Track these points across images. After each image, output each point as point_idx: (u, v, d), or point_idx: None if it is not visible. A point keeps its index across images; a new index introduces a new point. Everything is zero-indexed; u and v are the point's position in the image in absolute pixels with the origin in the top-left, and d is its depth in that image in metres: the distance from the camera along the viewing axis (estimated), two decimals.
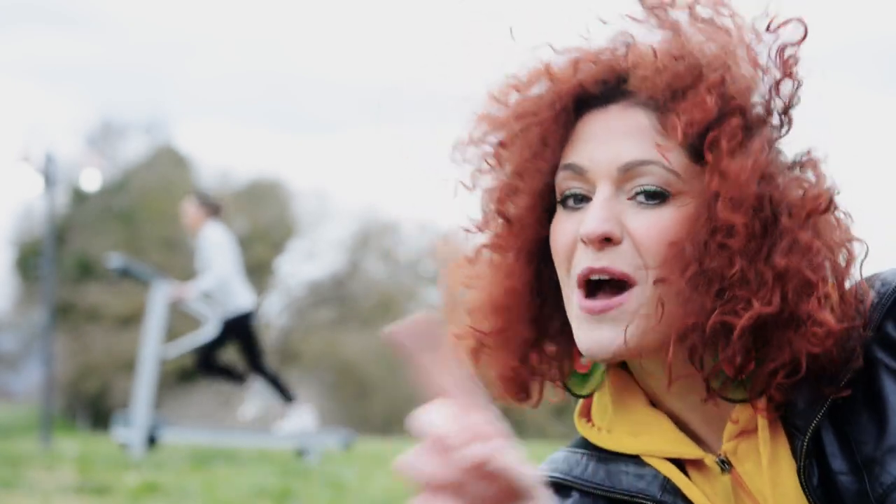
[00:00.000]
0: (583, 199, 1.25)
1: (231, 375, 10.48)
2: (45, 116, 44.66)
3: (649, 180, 1.21)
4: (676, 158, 1.21)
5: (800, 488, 1.23)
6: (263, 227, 29.79)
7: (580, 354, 1.29)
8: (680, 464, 1.30)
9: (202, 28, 47.05)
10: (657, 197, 1.21)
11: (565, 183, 1.26)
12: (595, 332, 1.21)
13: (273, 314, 31.14)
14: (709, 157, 1.20)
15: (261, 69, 44.66)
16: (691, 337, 1.19)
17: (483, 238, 1.34)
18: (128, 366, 18.29)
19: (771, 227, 1.19)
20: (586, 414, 1.37)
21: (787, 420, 1.24)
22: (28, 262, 27.92)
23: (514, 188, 1.29)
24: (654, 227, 1.20)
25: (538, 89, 1.28)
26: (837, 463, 1.21)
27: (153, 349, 10.06)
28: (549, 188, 1.28)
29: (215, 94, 46.02)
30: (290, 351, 29.17)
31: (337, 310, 31.12)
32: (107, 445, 10.95)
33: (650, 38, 1.25)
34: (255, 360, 10.22)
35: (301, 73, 47.87)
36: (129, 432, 9.91)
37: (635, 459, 1.31)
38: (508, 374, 1.34)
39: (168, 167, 29.35)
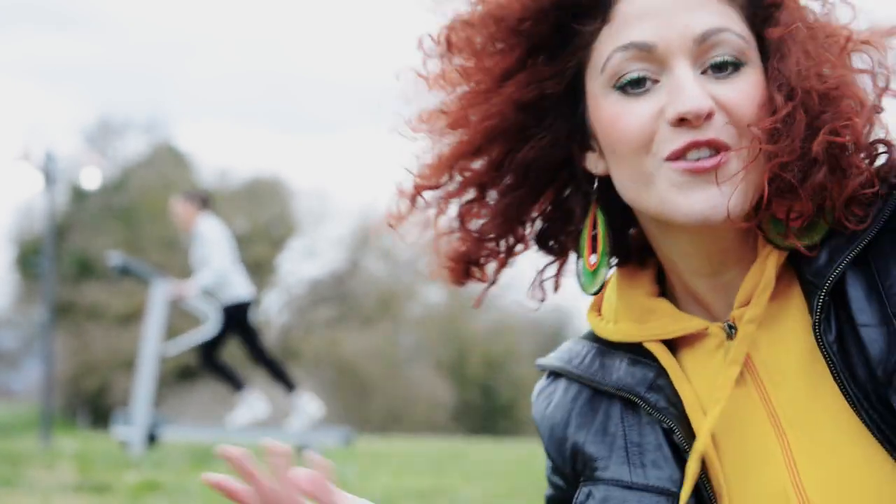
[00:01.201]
0: (643, 81, 1.21)
1: (231, 379, 10.47)
2: (44, 116, 44.69)
3: (725, 49, 1.19)
4: (740, 25, 1.21)
5: (809, 351, 1.22)
6: (263, 225, 29.79)
7: (590, 253, 1.30)
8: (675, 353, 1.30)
9: (202, 28, 47.05)
10: (731, 67, 1.20)
11: (625, 65, 1.20)
12: (704, 192, 1.18)
13: (273, 313, 31.14)
14: (777, 27, 1.22)
15: (261, 69, 44.68)
16: (781, 176, 1.18)
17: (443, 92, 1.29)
18: (128, 364, 18.30)
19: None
20: (597, 308, 1.37)
21: (804, 278, 1.22)
22: (28, 260, 27.91)
23: (505, 41, 1.25)
24: (743, 94, 1.19)
25: None
26: (864, 316, 1.19)
27: (153, 347, 10.06)
28: (542, 62, 1.25)
29: (215, 93, 46.03)
30: (290, 349, 29.15)
31: (337, 308, 31.13)
32: (107, 444, 10.95)
33: None
34: (256, 350, 10.23)
35: (301, 73, 47.87)
36: (129, 430, 9.92)
37: (635, 351, 1.31)
38: (457, 254, 1.32)
39: (168, 166, 29.35)
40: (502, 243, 1.33)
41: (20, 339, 29.35)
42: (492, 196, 1.31)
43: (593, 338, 1.37)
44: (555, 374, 1.40)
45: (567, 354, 1.38)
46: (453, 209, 1.32)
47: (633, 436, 1.30)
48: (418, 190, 1.32)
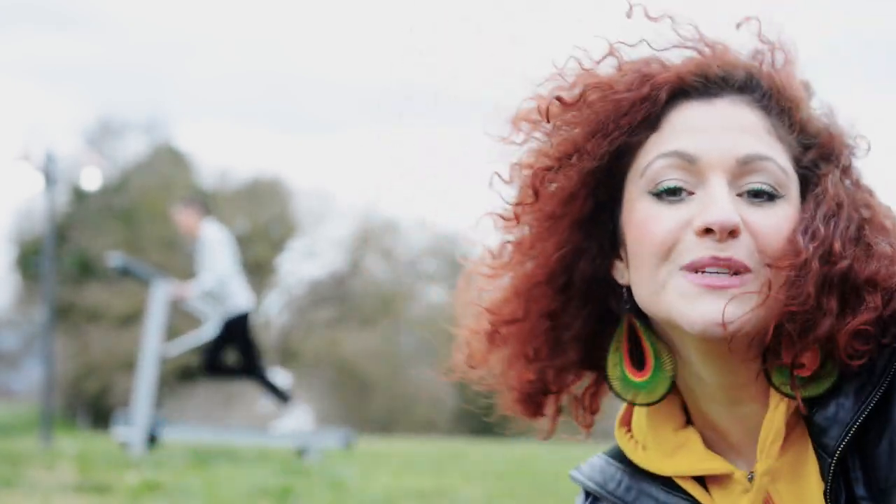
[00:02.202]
0: (679, 191, 1.22)
1: (237, 373, 10.46)
2: (45, 116, 44.68)
3: (765, 178, 1.22)
4: (784, 161, 1.24)
5: None
6: (263, 226, 29.79)
7: (635, 367, 1.30)
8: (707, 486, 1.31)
9: (202, 28, 47.04)
10: (766, 196, 1.22)
11: (665, 172, 1.23)
12: (714, 303, 1.19)
13: (273, 313, 31.14)
14: (824, 167, 1.25)
15: (261, 69, 44.66)
16: (789, 324, 1.19)
17: (511, 230, 1.32)
18: (128, 365, 18.29)
19: (862, 231, 1.23)
20: (626, 423, 1.38)
21: (816, 440, 1.24)
22: (28, 260, 27.92)
23: (564, 166, 1.27)
24: (773, 224, 1.21)
25: (619, 75, 1.26)
26: (860, 489, 1.21)
27: (153, 348, 10.06)
28: (600, 174, 1.26)
29: (215, 93, 46.02)
30: (290, 350, 29.15)
31: (337, 309, 31.12)
32: (107, 444, 10.95)
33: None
34: (251, 361, 10.21)
35: (301, 73, 47.87)
36: (129, 431, 9.91)
37: (666, 482, 1.32)
38: (521, 383, 1.34)
39: (168, 167, 29.35)
40: (559, 362, 1.34)
41: (20, 339, 29.34)
42: (559, 322, 1.32)
43: (622, 459, 1.37)
44: (593, 497, 1.40)
45: (601, 476, 1.38)
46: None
47: None
48: (496, 327, 1.34)
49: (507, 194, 1.32)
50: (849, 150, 1.28)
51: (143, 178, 29.00)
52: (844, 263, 1.20)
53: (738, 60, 1.27)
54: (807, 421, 1.25)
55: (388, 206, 32.32)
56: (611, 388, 1.33)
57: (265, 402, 10.71)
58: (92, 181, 14.18)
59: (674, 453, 1.31)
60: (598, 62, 1.29)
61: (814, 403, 1.23)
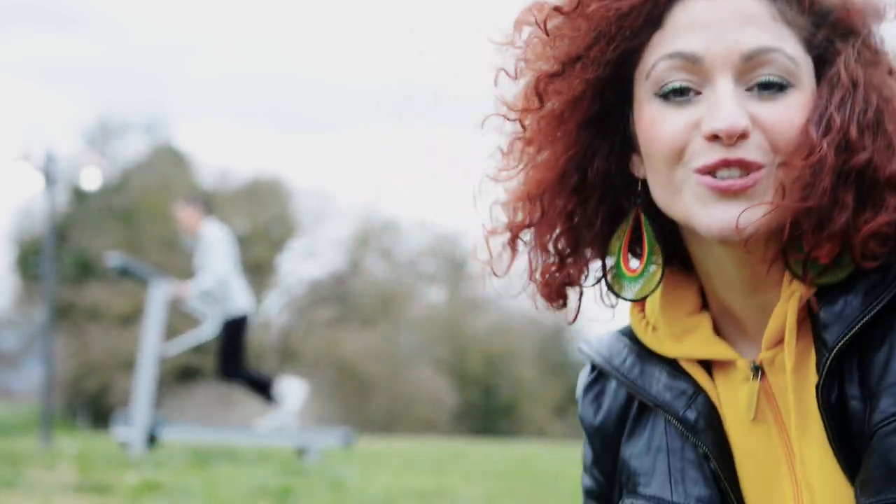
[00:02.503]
0: (686, 91, 1.21)
1: (252, 379, 10.44)
2: (44, 116, 44.69)
3: (772, 70, 1.19)
4: (793, 48, 1.21)
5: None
6: (263, 226, 29.79)
7: (628, 256, 1.30)
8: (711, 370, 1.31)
9: (202, 28, 47.06)
10: (776, 87, 1.19)
11: (669, 73, 1.21)
12: (729, 209, 1.18)
13: (273, 313, 31.14)
14: (840, 46, 1.21)
15: (261, 69, 44.68)
16: (804, 221, 1.18)
17: (519, 127, 1.30)
18: (128, 365, 18.30)
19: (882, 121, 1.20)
20: (641, 304, 1.37)
21: (817, 334, 1.22)
22: (28, 260, 27.91)
23: (567, 72, 1.25)
24: (784, 116, 1.18)
25: None
26: (853, 388, 1.20)
27: (153, 348, 10.06)
28: (606, 80, 1.25)
29: (215, 93, 46.03)
30: (290, 350, 29.16)
31: (337, 309, 31.12)
32: (107, 444, 10.95)
33: None
34: (238, 362, 10.19)
35: (301, 73, 47.88)
36: (129, 431, 9.91)
37: (672, 364, 1.32)
38: (544, 276, 1.32)
39: (168, 167, 29.35)
40: (580, 257, 1.33)
41: (20, 339, 29.33)
42: (575, 218, 1.31)
43: (632, 336, 1.37)
44: (599, 370, 1.41)
45: (608, 351, 1.38)
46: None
47: (675, 449, 1.31)
48: (516, 231, 1.32)
49: (511, 94, 1.30)
50: (869, 25, 1.24)
51: (143, 178, 29.00)
52: (863, 156, 1.17)
53: None
54: (812, 315, 1.23)
55: (388, 206, 32.33)
56: (605, 280, 1.33)
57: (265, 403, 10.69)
58: (92, 181, 14.18)
59: (682, 337, 1.31)
60: None
61: (824, 299, 1.22)
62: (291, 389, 10.28)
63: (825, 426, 1.20)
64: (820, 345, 1.21)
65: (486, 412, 30.83)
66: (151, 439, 9.90)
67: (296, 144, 49.12)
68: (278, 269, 31.68)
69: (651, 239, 1.29)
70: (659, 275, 1.30)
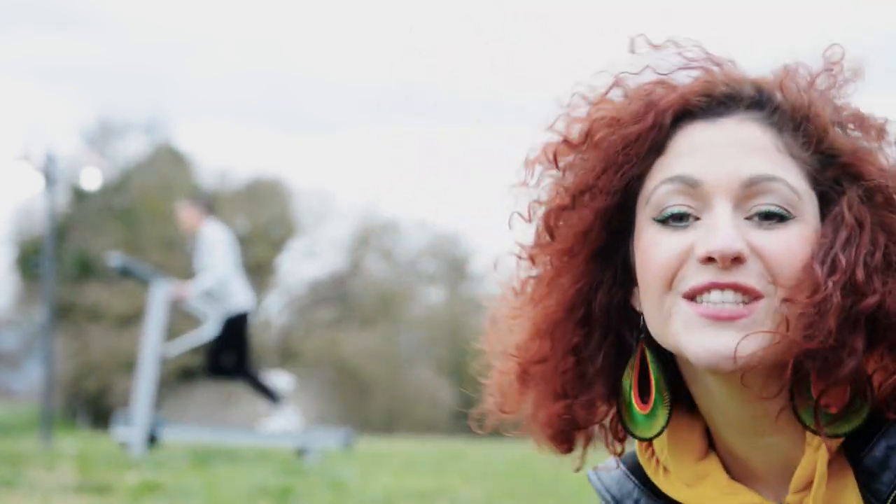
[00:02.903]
0: (685, 217, 1.19)
1: (238, 374, 10.45)
2: (45, 116, 44.68)
3: (773, 199, 1.17)
4: (796, 180, 1.18)
5: None
6: (263, 226, 29.78)
7: (640, 394, 1.26)
8: None
9: (202, 28, 47.03)
10: (776, 218, 1.17)
11: (668, 197, 1.19)
12: (718, 338, 1.15)
13: (273, 313, 31.13)
14: (847, 186, 1.19)
15: (261, 69, 44.65)
16: (808, 363, 1.14)
17: (532, 268, 1.29)
18: (128, 365, 18.30)
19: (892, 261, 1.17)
20: (648, 442, 1.33)
21: (864, 483, 1.20)
22: (28, 260, 27.89)
23: (577, 204, 1.24)
24: (784, 247, 1.16)
25: (624, 105, 1.23)
26: None
27: (153, 348, 10.06)
28: (613, 208, 1.24)
29: (215, 93, 46.01)
30: (290, 350, 29.16)
31: (337, 309, 31.12)
32: (107, 444, 10.95)
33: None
34: (243, 362, 10.20)
35: (301, 73, 47.87)
36: (129, 431, 9.91)
37: None
38: (551, 419, 1.29)
39: (168, 167, 29.34)
40: (588, 398, 1.30)
41: (20, 339, 29.33)
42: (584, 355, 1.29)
43: (640, 476, 1.33)
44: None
45: (618, 490, 1.34)
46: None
47: None
48: (525, 368, 1.29)
49: (525, 234, 1.30)
50: (879, 168, 1.21)
51: (143, 178, 28.99)
52: (872, 300, 1.13)
53: (747, 77, 1.23)
54: (850, 460, 1.20)
55: (388, 206, 32.32)
56: (620, 419, 1.30)
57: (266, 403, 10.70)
58: (92, 181, 14.18)
59: (696, 483, 1.27)
60: (603, 95, 1.26)
61: (856, 443, 1.19)
62: (278, 384, 10.30)
63: None
64: (868, 495, 1.18)
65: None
66: (151, 439, 9.90)
67: (296, 144, 49.12)
68: (278, 269, 31.67)
69: (657, 376, 1.26)
70: (665, 415, 1.25)
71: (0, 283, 39.36)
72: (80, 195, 28.15)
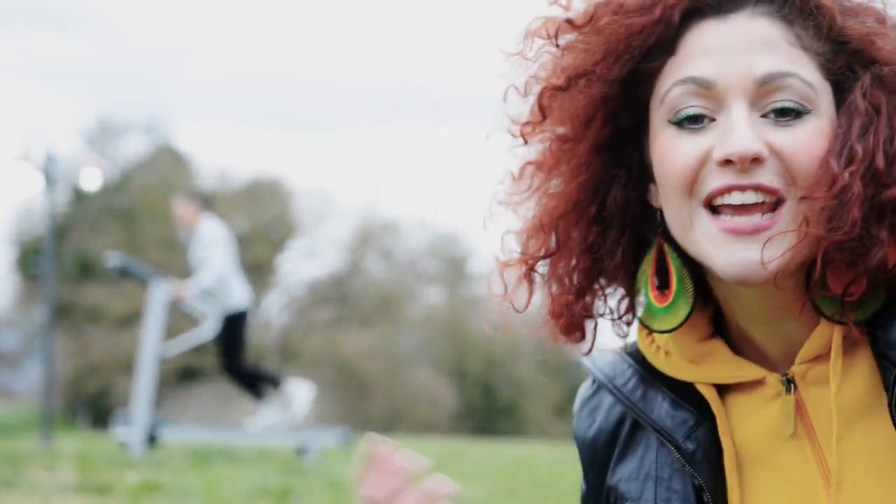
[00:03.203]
0: (700, 118, 1.18)
1: (258, 375, 10.44)
2: (45, 116, 44.70)
3: (788, 95, 1.16)
4: (810, 73, 1.17)
5: (870, 418, 1.19)
6: (263, 226, 29.78)
7: (657, 286, 1.26)
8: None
9: (202, 28, 47.05)
10: (793, 114, 1.16)
11: (682, 99, 1.18)
12: (744, 252, 1.14)
13: (273, 313, 31.13)
14: (861, 72, 1.17)
15: (261, 69, 44.67)
16: (835, 255, 1.14)
17: (530, 151, 1.27)
18: (128, 365, 18.29)
19: None
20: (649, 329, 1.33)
21: (879, 352, 1.19)
22: (28, 260, 27.90)
23: (572, 87, 1.22)
24: (801, 143, 1.15)
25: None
26: None
27: (153, 348, 10.06)
28: (613, 99, 1.22)
29: (215, 93, 46.02)
30: (290, 350, 29.16)
31: (337, 309, 31.12)
32: (107, 444, 10.95)
33: None
34: (238, 358, 10.19)
35: (301, 73, 47.87)
36: (129, 431, 9.91)
37: (678, 390, 1.28)
38: (560, 310, 1.28)
39: (168, 167, 29.35)
40: (597, 287, 1.30)
41: (20, 339, 29.33)
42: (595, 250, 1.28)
43: (638, 358, 1.33)
44: (599, 385, 1.37)
45: (611, 370, 1.34)
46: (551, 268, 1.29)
47: (663, 478, 1.28)
48: (532, 263, 1.29)
49: (520, 111, 1.28)
50: (891, 51, 1.19)
51: (143, 178, 28.99)
52: (894, 190, 1.13)
53: None
54: (868, 331, 1.20)
55: (388, 206, 32.33)
56: (633, 313, 1.30)
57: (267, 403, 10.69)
58: (92, 181, 14.17)
59: (699, 360, 1.27)
60: None
61: (878, 323, 1.19)
62: (299, 392, 10.28)
63: None
64: (883, 361, 1.18)
65: (486, 412, 30.83)
66: (151, 439, 9.90)
67: (296, 144, 49.13)
68: (278, 269, 31.67)
69: (678, 269, 1.25)
70: (687, 307, 1.25)
71: (0, 283, 39.38)
72: (80, 195, 28.15)
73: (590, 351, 1.32)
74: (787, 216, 1.15)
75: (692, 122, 1.18)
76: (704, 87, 1.17)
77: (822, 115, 1.17)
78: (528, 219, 1.28)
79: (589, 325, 1.31)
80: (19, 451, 9.13)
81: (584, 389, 1.40)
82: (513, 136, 1.28)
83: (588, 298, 1.29)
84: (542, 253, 1.28)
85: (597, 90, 1.22)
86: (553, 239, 1.27)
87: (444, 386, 29.78)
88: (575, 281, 1.28)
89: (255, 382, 10.27)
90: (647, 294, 1.28)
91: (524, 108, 1.28)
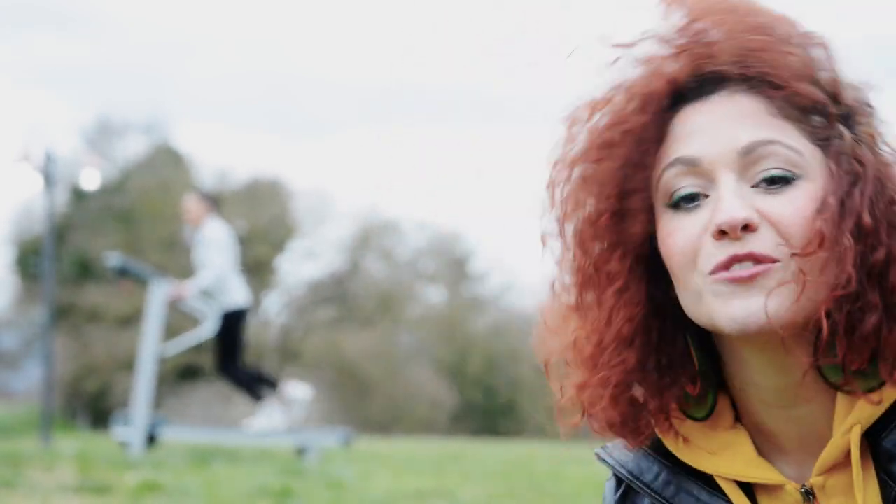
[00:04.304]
0: (695, 197, 1.20)
1: (255, 376, 10.44)
2: (44, 116, 44.70)
3: (774, 163, 1.17)
4: (795, 139, 1.19)
5: None
6: (263, 226, 29.80)
7: (691, 380, 1.26)
8: (751, 489, 1.27)
9: (202, 28, 47.05)
10: (782, 181, 1.17)
11: (675, 181, 1.21)
12: (744, 300, 1.16)
13: (273, 313, 31.16)
14: (847, 133, 1.19)
15: (261, 69, 44.67)
16: (835, 315, 1.15)
17: (574, 288, 1.28)
18: (127, 365, 18.30)
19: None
20: (665, 419, 1.32)
21: (882, 466, 1.20)
22: (28, 261, 27.94)
23: (604, 214, 1.24)
24: (792, 208, 1.16)
25: (618, 101, 1.23)
26: None
27: (152, 348, 10.07)
28: (643, 206, 1.23)
29: (215, 94, 46.02)
30: (290, 350, 29.18)
31: (337, 309, 31.13)
32: (107, 444, 10.95)
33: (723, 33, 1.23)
34: (234, 358, 10.19)
35: (301, 74, 47.88)
36: (128, 431, 9.92)
37: (707, 481, 1.28)
38: (618, 420, 1.28)
39: (167, 167, 29.37)
40: (652, 397, 1.29)
41: (20, 339, 29.35)
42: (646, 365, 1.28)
43: (660, 450, 1.31)
44: (626, 486, 1.35)
45: (635, 467, 1.32)
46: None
47: None
48: (620, 378, 1.27)
49: (555, 254, 1.29)
50: (867, 115, 1.22)
51: (143, 179, 29.01)
52: (882, 251, 1.15)
53: (726, 48, 1.22)
54: (870, 442, 1.20)
55: (388, 206, 32.32)
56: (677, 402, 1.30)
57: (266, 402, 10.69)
58: (91, 182, 14.21)
59: (720, 451, 1.27)
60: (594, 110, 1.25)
61: (882, 427, 1.19)
62: (295, 393, 10.29)
63: None
64: (885, 477, 1.18)
65: (486, 412, 30.85)
66: (151, 439, 9.90)
67: (295, 145, 49.14)
68: (278, 269, 31.70)
69: (700, 359, 1.27)
70: (713, 395, 1.27)
71: (0, 283, 39.39)
72: (79, 195, 28.17)
73: (603, 444, 1.33)
74: (780, 270, 1.16)
75: (688, 202, 1.20)
76: (691, 166, 1.20)
77: (812, 179, 1.18)
78: (580, 346, 1.28)
79: (643, 422, 1.30)
80: (19, 452, 9.13)
81: (611, 492, 1.38)
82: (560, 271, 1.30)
83: (639, 400, 1.29)
84: (592, 382, 1.27)
85: (633, 201, 1.24)
86: (606, 364, 1.27)
87: (443, 386, 29.80)
88: (623, 390, 1.28)
89: (251, 383, 10.27)
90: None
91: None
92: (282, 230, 30.80)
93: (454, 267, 32.68)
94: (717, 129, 1.20)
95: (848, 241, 1.14)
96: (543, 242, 1.31)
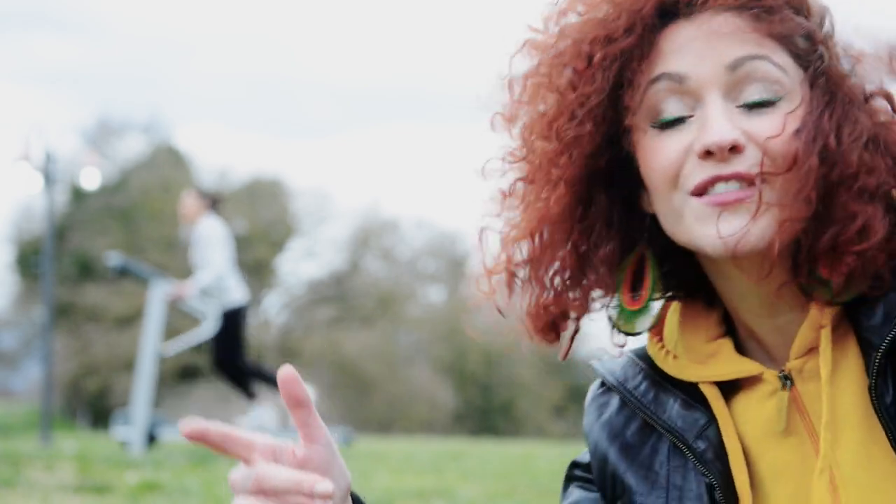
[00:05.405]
0: (681, 120, 1.21)
1: (253, 383, 10.43)
2: (44, 116, 44.75)
3: (761, 82, 1.19)
4: (780, 57, 1.21)
5: (864, 408, 1.21)
6: (263, 226, 29.81)
7: (630, 290, 1.30)
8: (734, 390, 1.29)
9: (202, 28, 47.07)
10: (768, 104, 1.19)
11: (660, 100, 1.22)
12: (730, 223, 1.18)
13: (273, 313, 31.16)
14: (827, 56, 1.21)
15: (261, 69, 44.70)
16: (808, 234, 1.18)
17: (519, 169, 1.30)
18: (127, 365, 18.33)
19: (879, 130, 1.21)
20: (658, 333, 1.36)
21: (861, 336, 1.22)
22: (27, 260, 27.94)
23: (572, 112, 1.24)
24: (776, 128, 1.18)
25: (605, 12, 1.23)
26: None
27: (152, 347, 10.07)
28: (608, 115, 1.24)
29: (215, 93, 46.04)
30: (290, 349, 29.18)
31: (336, 309, 31.14)
32: (106, 444, 10.95)
33: None
34: (234, 356, 10.18)
35: (301, 74, 47.90)
36: (128, 431, 9.92)
37: (689, 392, 1.30)
38: (538, 311, 1.31)
39: (167, 167, 29.37)
40: (580, 291, 1.32)
41: (20, 339, 29.36)
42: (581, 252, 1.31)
43: (649, 363, 1.35)
44: (607, 388, 1.40)
45: (622, 373, 1.36)
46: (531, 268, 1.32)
47: (676, 479, 1.30)
48: (513, 270, 1.31)
49: (505, 141, 1.31)
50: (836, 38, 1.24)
51: (143, 179, 29.02)
52: (847, 170, 1.17)
53: None
54: (851, 319, 1.23)
55: (388, 205, 32.34)
56: (608, 313, 1.33)
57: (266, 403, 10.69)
58: (91, 181, 14.20)
59: (706, 360, 1.30)
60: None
61: (860, 308, 1.21)
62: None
63: (885, 427, 1.19)
64: (866, 346, 1.20)
65: (486, 412, 30.86)
66: (151, 439, 9.91)
67: (295, 145, 49.17)
68: (278, 269, 31.70)
69: (654, 275, 1.30)
70: (655, 316, 1.31)
71: (0, 283, 39.39)
72: (79, 195, 28.17)
73: (566, 355, 1.35)
74: (766, 189, 1.18)
75: (672, 124, 1.22)
76: (677, 82, 1.21)
77: (793, 99, 1.20)
78: (513, 227, 1.31)
79: (564, 327, 1.33)
80: (19, 451, 9.13)
81: (594, 389, 1.43)
82: (501, 160, 1.31)
83: (569, 301, 1.32)
84: (526, 258, 1.31)
85: (600, 108, 1.25)
86: (538, 244, 1.30)
87: (443, 385, 29.81)
88: (553, 283, 1.31)
89: (249, 380, 10.26)
90: (620, 295, 1.31)
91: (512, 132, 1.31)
92: (282, 230, 30.81)
93: (454, 267, 32.67)
94: (704, 46, 1.20)
95: (814, 161, 1.17)
96: (492, 127, 1.32)
